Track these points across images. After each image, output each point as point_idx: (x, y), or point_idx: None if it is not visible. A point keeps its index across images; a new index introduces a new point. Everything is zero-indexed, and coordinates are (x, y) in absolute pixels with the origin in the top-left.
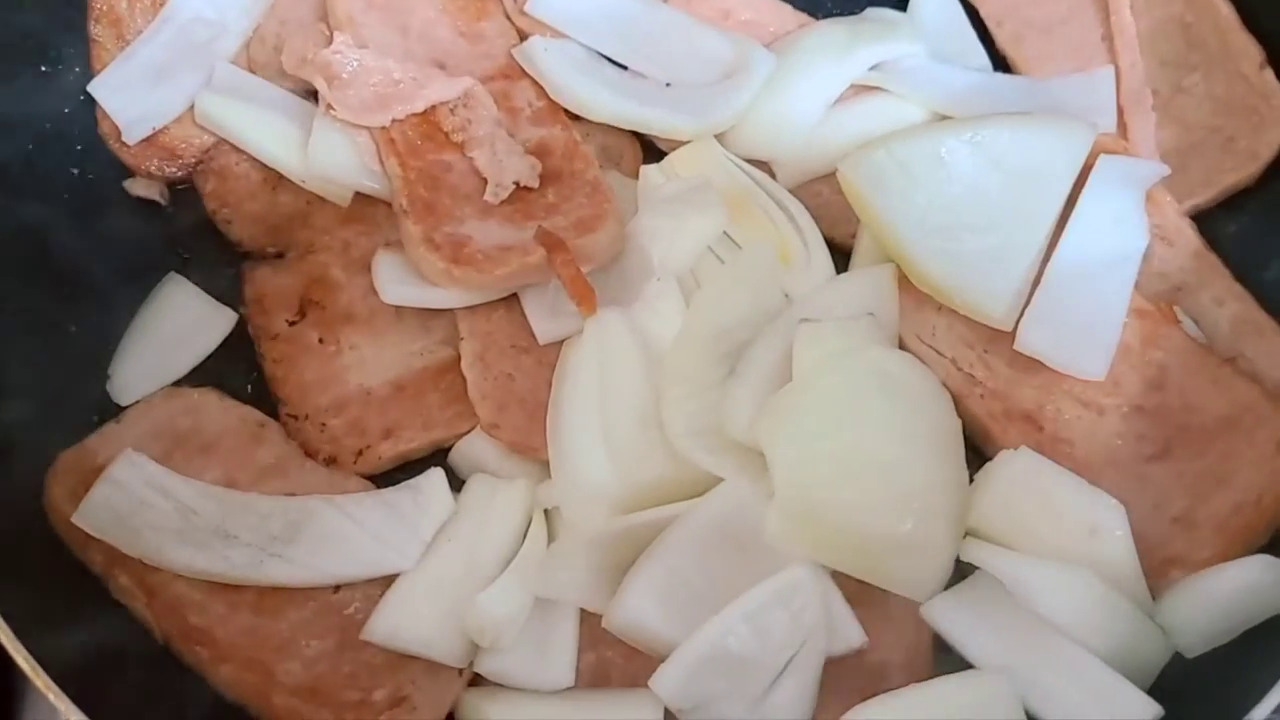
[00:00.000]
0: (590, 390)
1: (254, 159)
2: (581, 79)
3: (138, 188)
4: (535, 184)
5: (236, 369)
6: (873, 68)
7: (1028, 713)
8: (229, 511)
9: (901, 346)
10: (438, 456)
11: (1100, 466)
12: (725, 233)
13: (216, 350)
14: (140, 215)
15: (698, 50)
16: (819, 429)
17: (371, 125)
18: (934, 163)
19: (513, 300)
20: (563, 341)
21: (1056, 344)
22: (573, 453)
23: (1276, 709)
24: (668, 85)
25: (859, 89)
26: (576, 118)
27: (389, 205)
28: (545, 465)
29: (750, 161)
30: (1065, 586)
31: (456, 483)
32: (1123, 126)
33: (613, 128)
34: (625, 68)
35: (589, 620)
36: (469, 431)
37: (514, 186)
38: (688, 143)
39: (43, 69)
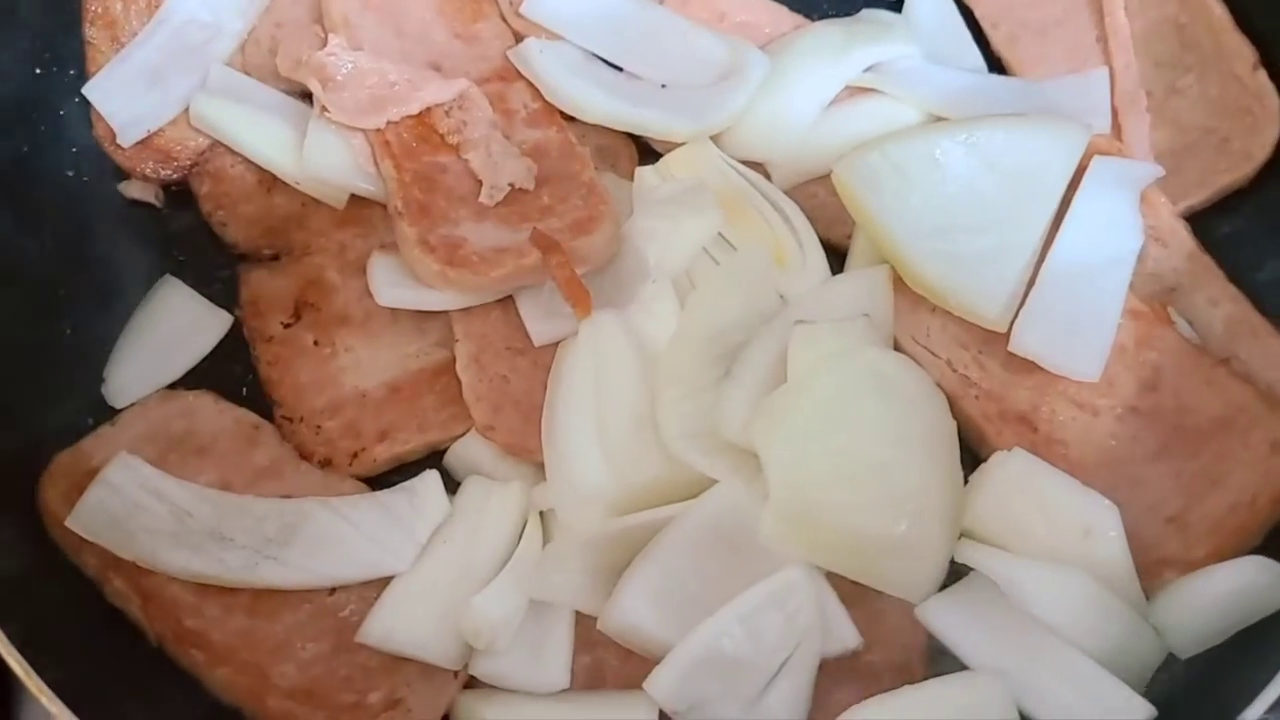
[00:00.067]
0: (585, 392)
1: (249, 161)
2: (577, 81)
3: (133, 190)
4: (530, 186)
5: (232, 371)
6: (868, 69)
7: (1022, 714)
8: (224, 514)
9: (896, 348)
10: (433, 458)
11: (1094, 467)
12: (720, 234)
13: (212, 353)
14: (135, 218)
15: (693, 52)
16: (814, 430)
17: (366, 127)
18: (929, 164)
19: (508, 302)
20: (558, 343)
21: (1051, 345)
22: (568, 455)
23: (1269, 709)
24: (663, 87)
25: (854, 90)
26: (572, 119)
27: (384, 207)
28: (540, 467)
29: (745, 163)
30: (1059, 587)
31: (452, 485)
32: (1117, 128)
33: (608, 129)
34: (621, 69)
35: (584, 622)
36: (464, 433)
37: (509, 188)
38: (683, 144)
39: (37, 71)
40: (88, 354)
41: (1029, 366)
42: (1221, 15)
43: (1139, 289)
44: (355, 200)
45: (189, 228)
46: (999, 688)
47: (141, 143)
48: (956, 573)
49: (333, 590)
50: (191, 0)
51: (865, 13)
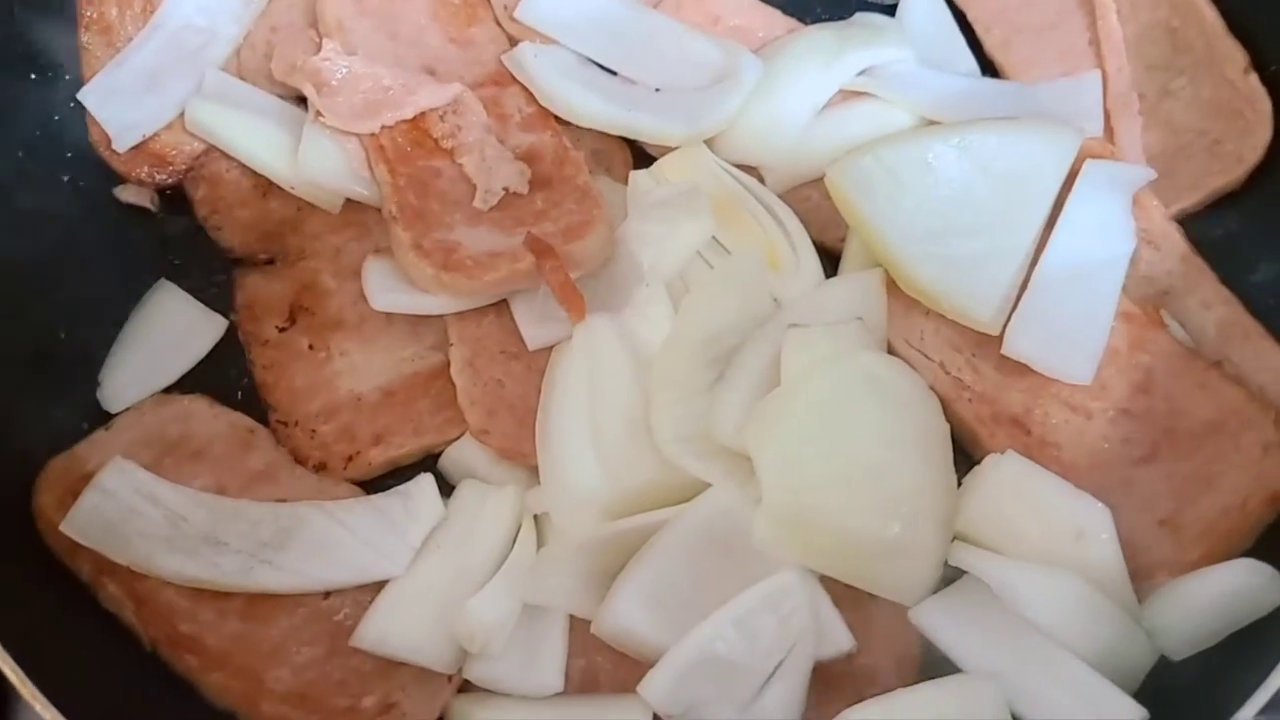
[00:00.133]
0: (579, 396)
1: (244, 166)
2: (571, 84)
3: (128, 195)
4: (525, 190)
5: (227, 375)
6: (861, 73)
7: (1015, 716)
8: (219, 518)
9: (890, 351)
10: (428, 462)
11: (1087, 470)
12: (714, 238)
13: (207, 357)
14: (131, 222)
15: (687, 56)
16: (807, 434)
17: (361, 132)
18: (922, 168)
19: (502, 306)
20: (552, 347)
21: (1044, 348)
22: (562, 458)
23: (1261, 712)
24: (657, 91)
25: (847, 94)
26: (566, 123)
27: (379, 211)
28: (535, 471)
29: (739, 166)
30: (1052, 590)
31: (446, 488)
32: (1109, 131)
33: (602, 133)
34: (615, 73)
35: (578, 626)
36: (459, 437)
37: (503, 192)
38: (677, 148)
39: (33, 76)
40: (82, 358)
41: (1022, 369)
42: (1213, 19)
43: (1131, 292)
44: (350, 205)
45: (184, 232)
46: (992, 690)
47: (137, 147)
48: (949, 576)
49: (327, 594)
50: (187, 5)
51: (858, 16)
